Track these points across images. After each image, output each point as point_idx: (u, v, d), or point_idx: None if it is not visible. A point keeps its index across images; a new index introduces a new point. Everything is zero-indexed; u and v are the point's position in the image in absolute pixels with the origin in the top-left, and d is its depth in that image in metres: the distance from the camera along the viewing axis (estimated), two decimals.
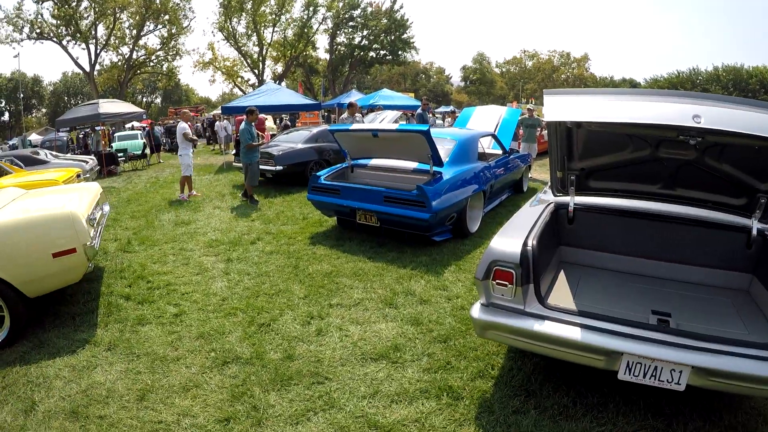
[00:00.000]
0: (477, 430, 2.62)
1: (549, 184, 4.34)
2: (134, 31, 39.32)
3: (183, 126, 9.16)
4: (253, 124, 8.69)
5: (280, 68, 45.22)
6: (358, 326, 3.84)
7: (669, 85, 48.92)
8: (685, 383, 2.24)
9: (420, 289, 4.58)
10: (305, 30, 42.38)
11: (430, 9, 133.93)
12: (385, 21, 44.04)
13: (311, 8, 42.01)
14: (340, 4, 43.06)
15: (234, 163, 11.48)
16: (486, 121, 10.43)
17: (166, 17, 39.15)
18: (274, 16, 41.66)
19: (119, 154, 15.16)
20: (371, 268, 5.14)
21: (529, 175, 10.15)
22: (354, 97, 22.93)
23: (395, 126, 5.91)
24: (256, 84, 40.40)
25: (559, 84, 64.13)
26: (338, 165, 7.14)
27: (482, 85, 65.85)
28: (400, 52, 46.60)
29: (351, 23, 44.82)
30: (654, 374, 2.28)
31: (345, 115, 10.33)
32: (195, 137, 9.34)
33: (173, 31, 40.51)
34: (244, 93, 40.18)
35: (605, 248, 3.54)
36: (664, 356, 2.24)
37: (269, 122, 26.01)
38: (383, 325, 3.85)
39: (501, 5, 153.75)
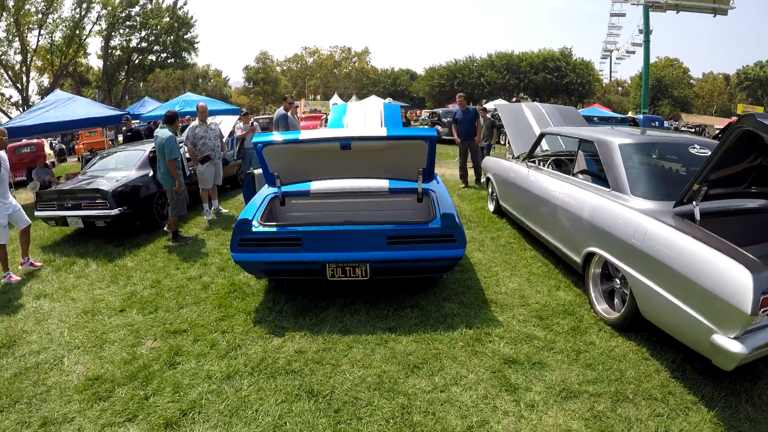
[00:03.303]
0: None
1: (611, 189, 3.80)
2: None
3: None
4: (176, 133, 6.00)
5: (47, 81, 35.20)
6: None
7: (447, 72, 53.64)
8: None
9: (510, 351, 3.26)
10: (77, 32, 33.47)
11: (205, 7, 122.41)
12: (168, 19, 37.64)
13: (84, 5, 32.98)
14: (117, 1, 34.80)
15: (36, 212, 6.37)
16: (366, 118, 8.93)
17: None
18: (41, 16, 31.83)
19: None
20: (416, 347, 3.33)
21: None
22: (150, 105, 18.55)
23: (382, 132, 3.98)
24: (20, 102, 30.73)
25: (342, 78, 65.03)
26: (259, 198, 4.46)
27: (266, 84, 62.13)
28: (183, 54, 40.75)
29: (128, 23, 36.83)
30: None
31: (195, 122, 7.33)
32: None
33: None
34: (7, 115, 30.31)
35: None
36: None
37: (48, 147, 19.52)
38: (550, 419, 2.59)
39: (279, 3, 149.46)
